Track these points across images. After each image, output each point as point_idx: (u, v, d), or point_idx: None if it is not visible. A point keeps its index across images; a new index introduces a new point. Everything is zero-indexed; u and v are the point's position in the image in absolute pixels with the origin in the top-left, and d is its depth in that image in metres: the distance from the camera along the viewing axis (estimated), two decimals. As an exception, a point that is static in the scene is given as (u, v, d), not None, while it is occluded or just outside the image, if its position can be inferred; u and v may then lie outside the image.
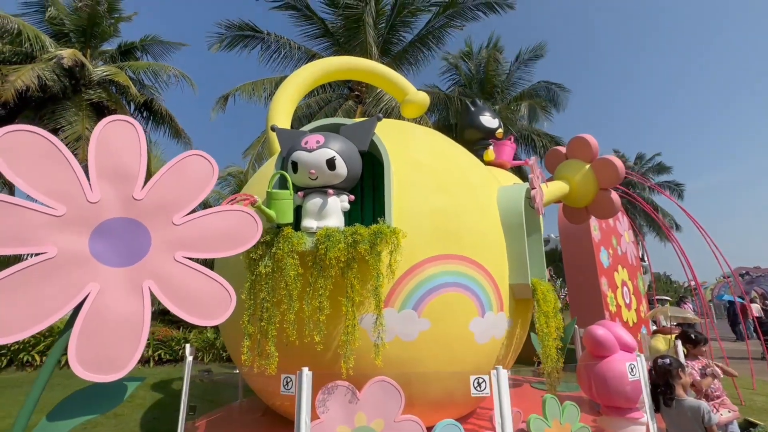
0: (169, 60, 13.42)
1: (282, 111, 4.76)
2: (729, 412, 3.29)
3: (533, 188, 4.15)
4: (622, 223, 10.93)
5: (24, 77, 8.71)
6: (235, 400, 5.26)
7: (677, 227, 33.44)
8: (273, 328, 2.74)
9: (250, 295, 2.86)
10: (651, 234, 34.48)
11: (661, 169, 34.31)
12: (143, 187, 1.74)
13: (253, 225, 1.96)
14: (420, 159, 3.79)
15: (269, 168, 3.98)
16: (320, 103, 11.83)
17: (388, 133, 4.23)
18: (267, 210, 2.83)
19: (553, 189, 6.50)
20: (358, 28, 10.97)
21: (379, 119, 3.39)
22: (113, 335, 1.57)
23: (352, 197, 3.20)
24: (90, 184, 1.65)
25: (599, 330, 3.32)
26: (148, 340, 6.76)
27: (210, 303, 1.77)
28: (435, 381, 3.26)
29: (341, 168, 2.99)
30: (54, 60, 9.13)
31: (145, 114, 12.65)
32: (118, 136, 1.73)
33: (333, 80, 7.24)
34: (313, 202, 3.02)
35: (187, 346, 3.91)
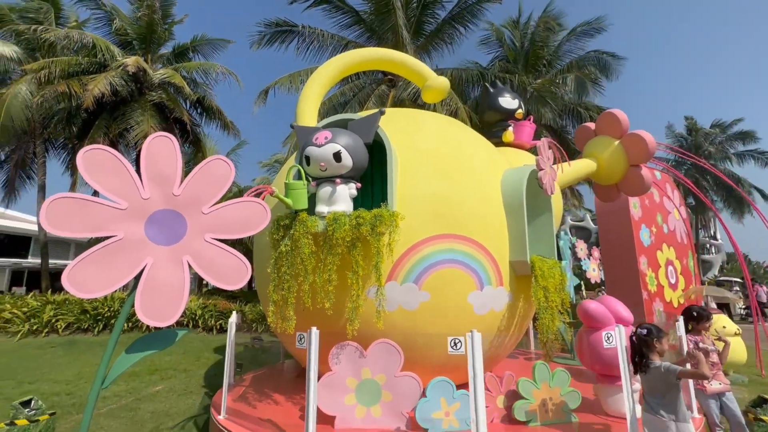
0: (217, 58, 14.53)
1: (308, 107, 5.24)
2: (720, 383, 3.35)
3: (540, 169, 4.27)
4: (672, 199, 10.26)
5: (99, 85, 10.11)
6: (278, 362, 6.08)
7: (764, 197, 29.71)
8: (292, 297, 3.30)
9: (275, 269, 3.45)
10: (727, 211, 31.11)
11: (745, 136, 30.40)
12: (179, 185, 2.31)
13: (263, 212, 2.47)
14: (425, 147, 4.10)
15: (292, 160, 4.52)
16: (354, 90, 12.22)
17: (397, 122, 4.58)
18: (285, 198, 3.37)
19: (578, 167, 6.44)
20: (389, 12, 11.08)
21: (382, 113, 3.74)
22: (163, 295, 2.18)
23: (359, 185, 3.63)
24: (142, 185, 2.24)
25: (591, 304, 3.50)
26: (211, 311, 7.91)
27: (231, 272, 2.32)
28: (437, 346, 3.65)
29: (347, 160, 3.42)
30: (120, 67, 10.46)
31: (199, 110, 13.94)
32: (160, 148, 2.29)
33: (354, 72, 7.57)
34: (324, 190, 3.50)
35: (234, 314, 4.68)
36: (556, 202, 5.57)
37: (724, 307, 12.20)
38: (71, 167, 13.15)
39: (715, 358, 3.45)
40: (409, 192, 3.73)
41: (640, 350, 2.77)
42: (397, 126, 4.47)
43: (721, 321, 6.13)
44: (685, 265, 9.95)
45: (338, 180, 3.45)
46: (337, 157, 3.38)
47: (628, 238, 8.41)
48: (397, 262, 3.54)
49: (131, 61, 10.44)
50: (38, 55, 12.93)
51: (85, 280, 2.05)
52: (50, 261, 14.32)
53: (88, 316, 9.72)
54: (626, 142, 6.21)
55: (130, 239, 2.17)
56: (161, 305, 2.17)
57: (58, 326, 9.59)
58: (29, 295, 10.97)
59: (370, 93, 12.04)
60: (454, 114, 10.60)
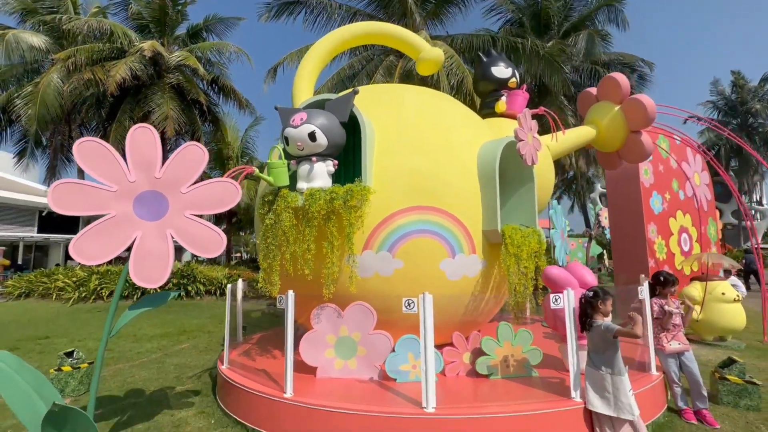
0: (230, 37, 14.78)
1: (303, 84, 5.46)
2: (679, 344, 3.50)
3: (520, 140, 4.34)
4: (692, 164, 9.80)
5: (120, 71, 10.70)
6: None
7: (819, 162, 27.28)
8: (276, 264, 3.71)
9: (263, 240, 3.85)
10: (774, 173, 28.82)
11: (798, 89, 27.56)
12: (160, 169, 2.68)
13: (234, 191, 2.82)
14: (404, 122, 4.27)
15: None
16: (362, 62, 12.19)
17: (379, 99, 4.76)
18: (266, 176, 3.71)
19: (576, 135, 6.38)
20: (395, -23, 10.80)
21: (356, 93, 3.93)
22: (151, 262, 2.61)
23: (336, 162, 3.90)
24: (129, 170, 2.63)
25: (554, 270, 3.68)
26: (236, 280, 8.31)
27: (208, 243, 2.72)
28: (411, 308, 4.01)
29: (321, 139, 3.68)
30: (138, 52, 10.96)
31: (215, 89, 14.40)
32: (142, 137, 2.66)
33: (350, 48, 7.60)
34: (303, 168, 3.80)
35: (239, 280, 5.21)
36: (545, 172, 5.59)
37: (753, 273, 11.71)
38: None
39: (677, 320, 3.58)
40: (387, 166, 3.96)
41: (585, 311, 2.98)
42: (379, 102, 4.65)
43: (721, 287, 6.09)
44: (703, 232, 9.62)
45: (314, 158, 3.73)
46: (312, 136, 3.64)
47: (637, 204, 8.24)
48: (373, 232, 3.84)
49: (147, 46, 10.91)
50: (65, 43, 13.71)
51: (87, 250, 2.50)
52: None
53: (127, 284, 10.85)
54: (626, 108, 6.05)
55: (121, 216, 2.59)
56: (150, 271, 2.60)
57: (103, 293, 10.77)
58: (77, 267, 12.28)
59: (378, 65, 11.98)
60: (461, 82, 10.43)
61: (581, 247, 25.25)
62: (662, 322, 3.55)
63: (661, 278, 3.67)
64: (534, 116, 6.66)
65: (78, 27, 11.19)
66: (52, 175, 16.20)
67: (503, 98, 5.95)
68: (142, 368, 5.40)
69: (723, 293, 5.96)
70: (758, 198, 34.53)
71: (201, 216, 2.78)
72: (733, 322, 5.97)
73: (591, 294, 2.99)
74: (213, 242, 2.73)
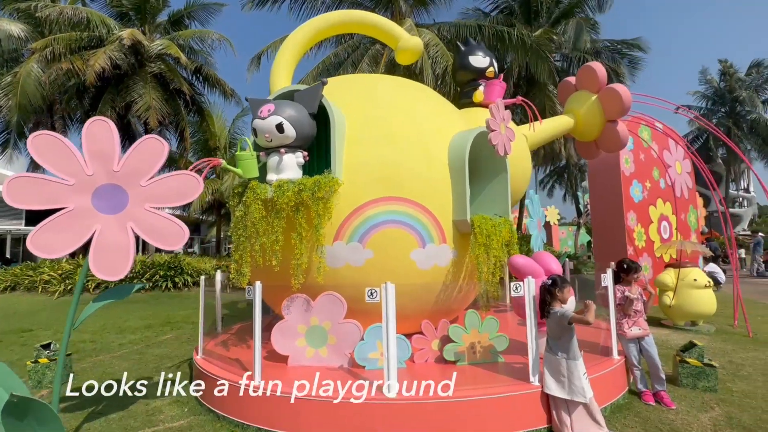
0: (213, 24, 14.46)
1: (281, 74, 5.41)
2: (639, 329, 3.61)
3: (492, 130, 4.36)
4: (673, 153, 9.91)
5: (99, 60, 10.49)
6: (268, 314, 6.73)
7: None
8: (247, 255, 3.74)
9: (234, 232, 3.87)
10: (760, 161, 29.14)
11: (785, 77, 27.65)
12: (118, 162, 2.68)
13: (195, 183, 2.82)
14: (375, 113, 4.27)
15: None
16: (347, 50, 12.05)
17: (351, 89, 4.74)
18: (234, 168, 3.71)
19: (553, 125, 6.42)
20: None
21: (324, 83, 3.92)
22: (111, 255, 2.63)
23: (305, 153, 3.91)
24: (86, 164, 2.63)
25: (520, 259, 3.76)
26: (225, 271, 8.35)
27: (170, 236, 2.74)
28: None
29: (289, 130, 3.68)
30: (117, 41, 10.73)
31: (200, 78, 14.17)
32: (99, 130, 2.64)
33: (329, 37, 7.50)
34: (272, 159, 3.81)
35: (218, 272, 5.23)
36: (521, 161, 5.64)
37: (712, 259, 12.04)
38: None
39: (639, 306, 3.69)
40: (358, 157, 3.98)
41: (544, 298, 3.06)
42: (352, 93, 4.64)
43: (693, 273, 6.24)
44: (683, 220, 9.79)
45: (282, 150, 3.74)
46: (280, 128, 3.64)
47: (617, 193, 8.36)
48: (343, 223, 3.87)
49: (126, 34, 10.67)
50: (45, 32, 13.36)
51: (46, 244, 2.51)
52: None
53: (143, 280, 10.85)
54: (603, 97, 6.08)
55: (79, 210, 2.60)
56: (110, 263, 2.62)
57: (89, 286, 10.75)
58: (64, 260, 12.21)
59: (363, 53, 11.86)
60: (445, 71, 10.36)
61: (571, 235, 25.56)
62: (624, 308, 3.65)
63: (624, 266, 3.76)
64: (512, 105, 6.68)
65: (52, 15, 10.90)
66: (36, 167, 15.95)
67: (481, 88, 5.96)
68: (123, 359, 5.45)
69: (695, 279, 6.11)
70: (745, 185, 35.03)
71: (163, 209, 2.79)
72: (703, 308, 6.13)
73: (549, 282, 3.07)
74: (174, 235, 2.75)
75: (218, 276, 5.15)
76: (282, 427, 3.04)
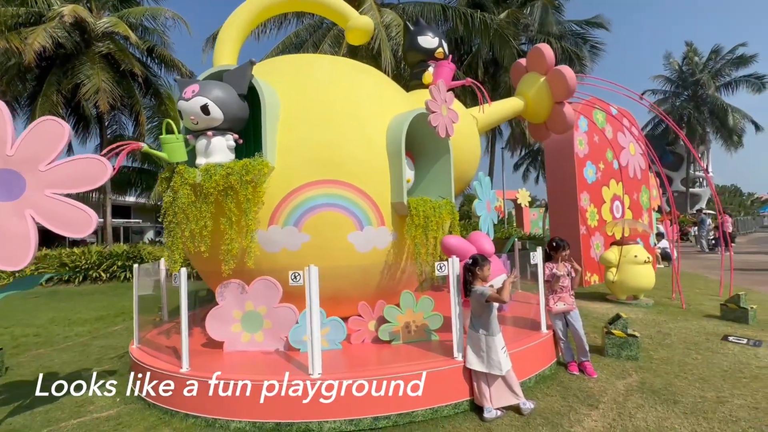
0: (168, 2, 13.65)
1: (226, 51, 5.17)
2: (564, 305, 3.78)
3: (432, 112, 4.34)
4: (627, 135, 10.22)
5: (39, 38, 9.76)
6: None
7: (757, 128, 29.00)
8: (178, 242, 3.64)
9: (165, 218, 3.75)
10: (717, 142, 30.49)
11: (742, 61, 28.83)
12: (12, 146, 2.52)
13: (103, 167, 2.70)
14: (313, 94, 4.18)
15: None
16: (309, 30, 11.68)
17: (289, 69, 4.62)
18: (157, 152, 3.57)
19: (503, 107, 6.47)
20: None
21: (253, 63, 3.79)
22: (11, 244, 2.50)
23: (236, 135, 3.80)
24: (-26, 148, 2.47)
25: (451, 239, 3.83)
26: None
27: (75, 223, 2.62)
28: (324, 279, 4.06)
29: (216, 112, 3.56)
30: (57, 17, 9.99)
31: (155, 59, 13.45)
32: (-13, 112, 2.48)
33: (276, 14, 7.22)
34: (201, 143, 3.68)
35: (161, 260, 5.08)
36: (468, 143, 5.68)
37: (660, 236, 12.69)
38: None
39: (566, 282, 3.83)
40: (293, 139, 3.90)
41: (466, 277, 3.13)
42: (289, 73, 4.51)
43: (633, 250, 6.53)
44: (635, 200, 10.19)
45: (210, 133, 3.62)
46: (205, 110, 3.51)
47: (571, 174, 8.58)
48: (278, 206, 3.82)
49: (68, 11, 9.94)
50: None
51: (-69, 234, 2.36)
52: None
53: (67, 268, 10.40)
54: (550, 79, 6.16)
55: (-31, 197, 2.45)
56: (10, 253, 2.50)
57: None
58: None
59: (325, 34, 11.52)
60: (399, 56, 10.21)
61: (541, 217, 26.29)
62: (551, 284, 3.79)
63: (554, 243, 3.89)
64: (463, 87, 6.65)
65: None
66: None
67: (430, 69, 5.92)
68: (64, 352, 5.28)
69: (635, 256, 6.40)
70: (705, 166, 36.75)
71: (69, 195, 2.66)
72: (642, 282, 6.45)
73: (471, 261, 3.13)
74: (80, 222, 2.63)
75: (162, 264, 5.02)
76: (208, 413, 3.03)
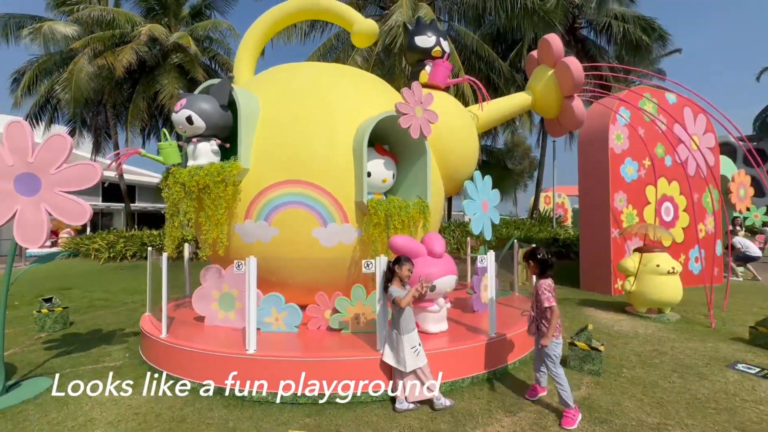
0: (231, 15, 15.27)
1: (243, 67, 5.91)
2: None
3: (402, 114, 4.48)
4: (690, 126, 8.90)
5: (126, 55, 11.78)
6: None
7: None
8: (171, 231, 4.38)
9: (167, 211, 4.53)
10: None
11: None
12: (32, 155, 3.37)
13: (94, 170, 3.44)
14: (289, 99, 4.59)
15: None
16: (341, 37, 12.13)
17: (273, 77, 5.10)
18: (155, 156, 4.32)
19: (506, 104, 6.28)
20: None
21: (230, 78, 4.32)
22: (30, 229, 3.37)
23: (219, 141, 4.39)
24: (7, 156, 3.35)
25: (399, 239, 3.94)
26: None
27: (76, 214, 3.41)
28: (291, 270, 4.50)
29: (198, 122, 4.18)
30: (137, 36, 11.93)
31: (219, 66, 15.19)
32: (16, 130, 3.34)
33: (288, 25, 7.68)
34: (189, 148, 4.35)
35: (186, 244, 6.02)
36: (461, 143, 5.54)
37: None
38: (126, 127, 15.81)
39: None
40: (268, 142, 4.38)
41: (386, 275, 3.31)
42: (273, 80, 5.00)
43: (656, 259, 5.88)
44: (696, 201, 8.90)
45: (195, 139, 4.26)
46: (189, 120, 4.15)
47: (604, 171, 7.85)
48: (251, 203, 4.34)
49: (144, 30, 11.82)
50: (96, 30, 15.09)
51: (-20, 220, 3.30)
52: (133, 204, 17.88)
53: (145, 247, 12.49)
54: (558, 72, 5.76)
55: (5, 193, 3.34)
56: (30, 235, 3.37)
57: (128, 254, 12.52)
58: (112, 231, 14.25)
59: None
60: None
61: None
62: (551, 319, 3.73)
63: (538, 255, 3.73)
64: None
65: (83, 16, 12.35)
66: (96, 151, 18.38)
67: (427, 68, 5.93)
68: (116, 315, 6.56)
69: (658, 265, 5.76)
70: None
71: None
72: (666, 295, 5.78)
73: (393, 260, 3.30)
74: (80, 213, 3.42)
75: (186, 247, 5.94)
76: (181, 374, 3.68)
